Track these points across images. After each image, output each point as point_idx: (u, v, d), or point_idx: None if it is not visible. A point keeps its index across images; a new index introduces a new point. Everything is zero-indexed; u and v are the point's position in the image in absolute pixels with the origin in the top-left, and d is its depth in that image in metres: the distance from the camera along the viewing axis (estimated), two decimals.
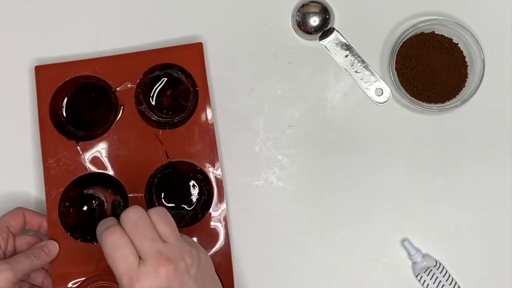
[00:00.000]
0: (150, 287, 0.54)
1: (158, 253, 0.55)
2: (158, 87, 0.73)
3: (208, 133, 0.72)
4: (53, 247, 0.69)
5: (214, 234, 0.71)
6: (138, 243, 0.56)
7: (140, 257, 0.55)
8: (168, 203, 0.72)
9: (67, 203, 0.71)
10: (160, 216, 0.58)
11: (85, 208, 0.72)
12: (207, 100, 0.72)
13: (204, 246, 0.70)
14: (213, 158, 0.71)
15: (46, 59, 0.74)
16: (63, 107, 0.73)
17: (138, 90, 0.72)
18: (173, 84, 0.73)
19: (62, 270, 0.70)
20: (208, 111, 0.72)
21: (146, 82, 0.73)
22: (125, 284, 0.54)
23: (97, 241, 0.69)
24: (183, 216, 0.72)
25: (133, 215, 0.57)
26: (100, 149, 0.72)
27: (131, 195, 0.71)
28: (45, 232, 0.70)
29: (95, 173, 0.72)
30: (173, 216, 0.70)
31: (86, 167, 0.71)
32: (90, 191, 0.72)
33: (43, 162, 0.71)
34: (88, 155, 0.71)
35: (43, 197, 0.71)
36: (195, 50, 0.72)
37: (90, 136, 0.72)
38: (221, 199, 0.71)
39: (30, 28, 0.77)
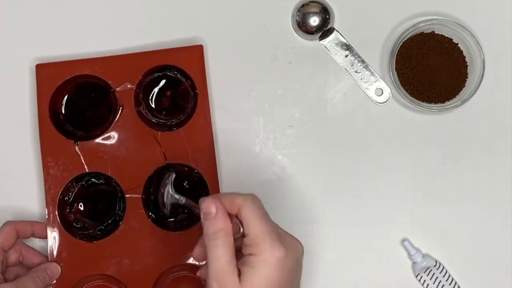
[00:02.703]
0: (293, 255, 0.55)
1: (285, 231, 0.57)
2: (157, 88, 0.73)
3: (207, 137, 0.72)
4: (56, 269, 0.69)
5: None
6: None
7: None
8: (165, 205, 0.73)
9: (66, 202, 0.71)
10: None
11: (84, 206, 0.72)
12: (206, 103, 0.72)
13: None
14: (211, 162, 0.71)
15: (46, 58, 0.74)
16: (63, 106, 0.73)
17: (138, 90, 0.72)
18: (172, 85, 0.74)
19: (61, 269, 0.70)
20: (207, 114, 0.72)
21: (145, 83, 0.73)
22: (276, 242, 0.53)
23: (96, 240, 0.69)
24: (181, 219, 0.72)
25: (256, 198, 0.57)
26: (99, 149, 0.72)
27: (128, 195, 0.71)
28: (39, 237, 0.70)
29: (93, 172, 0.72)
30: (167, 218, 0.70)
31: (84, 167, 0.71)
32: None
33: (43, 161, 0.71)
34: (86, 155, 0.71)
35: (42, 195, 0.71)
36: (195, 52, 0.72)
37: (89, 135, 0.72)
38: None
39: (30, 26, 0.77)
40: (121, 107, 0.72)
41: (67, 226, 0.71)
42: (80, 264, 0.70)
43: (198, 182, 0.72)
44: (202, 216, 0.56)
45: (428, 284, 0.72)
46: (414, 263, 0.73)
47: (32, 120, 0.74)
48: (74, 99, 0.73)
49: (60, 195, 0.71)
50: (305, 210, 0.74)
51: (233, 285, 0.53)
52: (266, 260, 0.53)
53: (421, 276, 0.72)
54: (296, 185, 0.75)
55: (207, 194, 0.71)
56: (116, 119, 0.72)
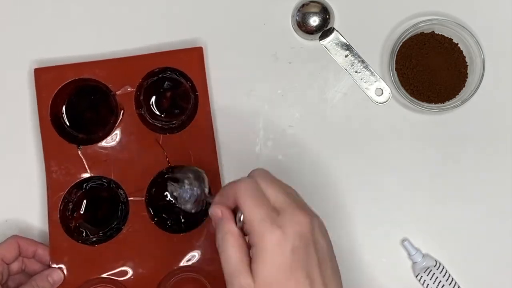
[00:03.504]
0: (293, 232, 0.51)
1: (293, 204, 0.53)
2: (158, 91, 0.73)
3: (209, 138, 0.72)
4: (58, 277, 0.69)
5: (212, 238, 0.71)
6: (272, 195, 0.53)
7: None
8: (169, 208, 0.73)
9: (69, 206, 0.71)
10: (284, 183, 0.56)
11: (89, 210, 0.72)
12: (207, 105, 0.72)
13: (203, 250, 0.70)
14: (213, 164, 0.71)
15: (45, 60, 0.74)
16: (63, 110, 0.73)
17: (138, 93, 0.72)
18: (173, 88, 0.73)
19: (63, 274, 0.70)
20: (208, 116, 0.72)
21: (146, 86, 0.73)
22: (268, 225, 0.51)
23: (98, 243, 0.69)
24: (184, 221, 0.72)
25: (263, 172, 0.56)
26: (101, 153, 0.72)
27: (132, 198, 0.71)
28: (40, 260, 0.70)
29: (96, 176, 0.72)
30: (172, 220, 0.70)
31: (87, 171, 0.71)
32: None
33: (45, 165, 0.71)
34: (89, 159, 0.71)
35: (45, 200, 0.72)
36: (195, 54, 0.72)
37: (90, 139, 0.72)
38: None
39: (29, 29, 0.76)
40: (122, 110, 0.72)
41: (69, 230, 0.71)
42: (82, 268, 0.70)
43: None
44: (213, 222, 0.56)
45: (428, 284, 0.72)
46: (414, 263, 0.73)
47: (33, 124, 0.74)
48: (75, 103, 0.73)
49: (63, 199, 0.71)
50: None
51: (246, 283, 0.51)
52: (262, 248, 0.51)
53: (421, 276, 0.72)
54: (296, 185, 0.75)
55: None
56: (118, 122, 0.72)
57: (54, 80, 0.72)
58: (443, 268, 0.73)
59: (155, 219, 0.71)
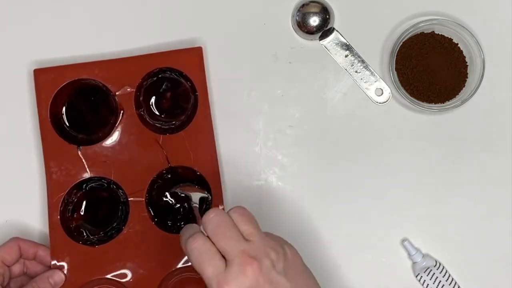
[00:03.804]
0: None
1: (242, 252, 0.54)
2: (157, 91, 0.73)
3: (209, 139, 0.72)
4: (59, 278, 0.69)
5: None
6: (221, 244, 0.55)
7: (225, 259, 0.55)
8: (169, 208, 0.73)
9: (69, 207, 0.71)
10: (241, 214, 0.57)
11: (89, 210, 0.72)
12: (206, 105, 0.72)
13: None
14: (213, 164, 0.71)
15: (44, 62, 0.74)
16: (63, 110, 0.73)
17: (138, 94, 0.72)
18: (172, 88, 0.73)
19: (64, 275, 0.70)
20: (208, 116, 0.72)
21: (145, 86, 0.73)
22: (214, 287, 0.54)
23: (99, 244, 0.69)
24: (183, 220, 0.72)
25: (214, 216, 0.56)
26: (101, 153, 0.72)
27: (132, 199, 0.71)
28: (41, 262, 0.70)
29: (96, 177, 0.72)
30: (172, 219, 0.70)
31: (87, 171, 0.71)
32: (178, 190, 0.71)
33: (45, 166, 0.71)
34: (89, 159, 0.71)
35: (45, 200, 0.72)
36: (195, 54, 0.72)
37: (90, 139, 0.72)
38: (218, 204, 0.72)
39: (28, 30, 0.76)
40: (122, 111, 0.72)
41: (70, 231, 0.71)
42: (83, 269, 0.70)
43: (201, 184, 0.72)
44: None
45: (428, 284, 0.72)
46: (414, 263, 0.73)
47: (33, 125, 0.74)
48: (75, 103, 0.73)
49: (63, 200, 0.71)
50: (304, 210, 0.74)
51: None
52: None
53: (421, 276, 0.72)
54: (296, 185, 0.75)
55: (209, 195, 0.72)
56: (118, 123, 0.72)
57: (53, 80, 0.72)
58: (443, 268, 0.73)
59: (155, 219, 0.71)
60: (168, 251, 0.70)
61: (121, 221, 0.71)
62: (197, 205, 0.68)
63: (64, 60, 0.74)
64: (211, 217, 0.56)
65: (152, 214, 0.71)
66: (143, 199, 0.71)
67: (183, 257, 0.70)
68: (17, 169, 0.74)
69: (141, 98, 0.72)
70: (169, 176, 0.72)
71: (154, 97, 0.73)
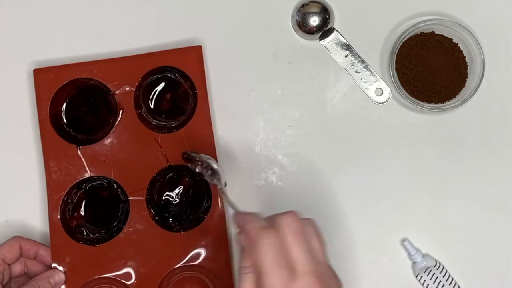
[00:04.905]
0: None
1: (313, 273, 0.52)
2: (157, 90, 0.73)
3: (207, 137, 0.72)
4: (59, 278, 0.69)
5: (213, 236, 0.71)
6: (295, 255, 0.52)
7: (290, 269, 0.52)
8: (169, 207, 0.73)
9: (69, 206, 0.71)
10: (314, 229, 0.55)
11: (89, 209, 0.73)
12: (206, 104, 0.72)
13: (204, 248, 0.71)
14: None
15: (44, 61, 0.74)
16: (63, 110, 0.73)
17: (137, 93, 0.72)
18: (172, 87, 0.73)
19: (64, 275, 0.70)
20: (207, 114, 0.72)
21: (145, 85, 0.73)
22: None
23: (100, 243, 0.70)
24: (183, 219, 0.73)
25: (292, 221, 0.54)
26: (101, 152, 0.72)
27: (132, 198, 0.71)
28: (42, 261, 0.70)
29: (96, 176, 0.72)
30: (175, 218, 0.70)
31: (87, 171, 0.71)
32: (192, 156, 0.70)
33: (45, 165, 0.71)
34: (88, 159, 0.71)
35: (45, 200, 0.72)
36: (194, 53, 0.72)
37: (90, 139, 0.72)
38: (218, 202, 0.72)
39: (27, 30, 0.76)
40: (121, 110, 0.72)
41: (70, 230, 0.71)
42: (84, 269, 0.70)
43: (200, 182, 0.72)
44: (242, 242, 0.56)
45: (428, 284, 0.72)
46: (414, 263, 0.73)
47: (33, 125, 0.74)
48: (74, 103, 0.73)
49: (63, 200, 0.71)
50: (304, 210, 0.74)
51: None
52: None
53: (421, 276, 0.72)
54: (296, 185, 0.75)
55: (209, 194, 0.72)
56: (117, 122, 0.72)
57: (53, 80, 0.72)
58: (443, 268, 0.73)
59: (156, 218, 0.71)
60: (169, 249, 0.71)
61: (122, 220, 0.71)
62: (222, 188, 0.67)
63: (63, 60, 0.74)
64: (289, 222, 0.54)
65: (153, 213, 0.71)
66: (143, 198, 0.71)
67: (184, 256, 0.71)
68: (17, 169, 0.74)
69: (140, 98, 0.72)
70: (169, 175, 0.72)
71: (153, 96, 0.73)
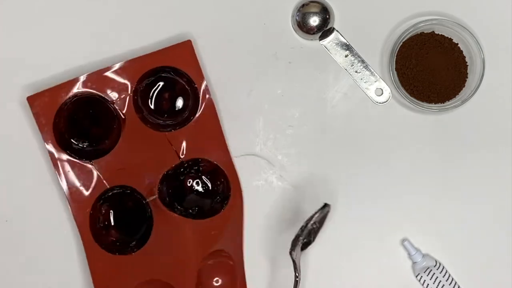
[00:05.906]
0: None
1: None
2: (154, 92, 0.73)
3: (215, 126, 0.72)
4: None
5: (232, 227, 0.73)
6: None
7: None
8: (183, 202, 0.73)
9: (98, 221, 0.72)
10: None
11: (116, 221, 0.73)
12: (207, 93, 0.72)
13: (221, 239, 0.73)
14: (223, 149, 0.73)
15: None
16: (67, 130, 0.72)
17: (135, 98, 0.72)
18: (169, 86, 0.73)
19: (104, 284, 0.72)
20: (211, 104, 0.72)
21: (142, 89, 0.72)
22: None
23: (134, 251, 0.71)
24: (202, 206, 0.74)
25: None
26: (114, 162, 0.72)
27: (150, 198, 0.72)
28: None
29: (115, 186, 0.72)
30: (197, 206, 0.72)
31: (104, 183, 0.72)
32: None
33: (66, 187, 0.71)
34: (104, 171, 0.72)
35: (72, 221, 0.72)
36: (185, 48, 0.72)
37: (100, 151, 0.72)
38: (237, 192, 0.73)
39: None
40: (123, 117, 0.72)
41: (104, 244, 0.72)
42: (122, 277, 0.72)
43: (216, 171, 0.73)
44: None
45: (428, 284, 0.72)
46: (414, 263, 0.73)
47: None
48: (76, 120, 0.72)
49: (90, 217, 0.71)
50: (304, 210, 0.74)
51: None
52: None
53: (421, 276, 0.72)
54: (296, 185, 0.75)
55: (226, 181, 0.73)
56: (122, 129, 0.72)
57: (49, 104, 0.71)
58: (443, 268, 0.73)
59: (176, 210, 0.72)
60: (197, 236, 0.73)
61: (149, 223, 0.72)
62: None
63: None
64: None
65: (173, 207, 0.72)
66: (156, 196, 0.72)
67: (212, 242, 0.73)
68: (18, 168, 0.74)
69: (139, 102, 0.72)
70: (183, 170, 0.73)
71: (152, 98, 0.73)
